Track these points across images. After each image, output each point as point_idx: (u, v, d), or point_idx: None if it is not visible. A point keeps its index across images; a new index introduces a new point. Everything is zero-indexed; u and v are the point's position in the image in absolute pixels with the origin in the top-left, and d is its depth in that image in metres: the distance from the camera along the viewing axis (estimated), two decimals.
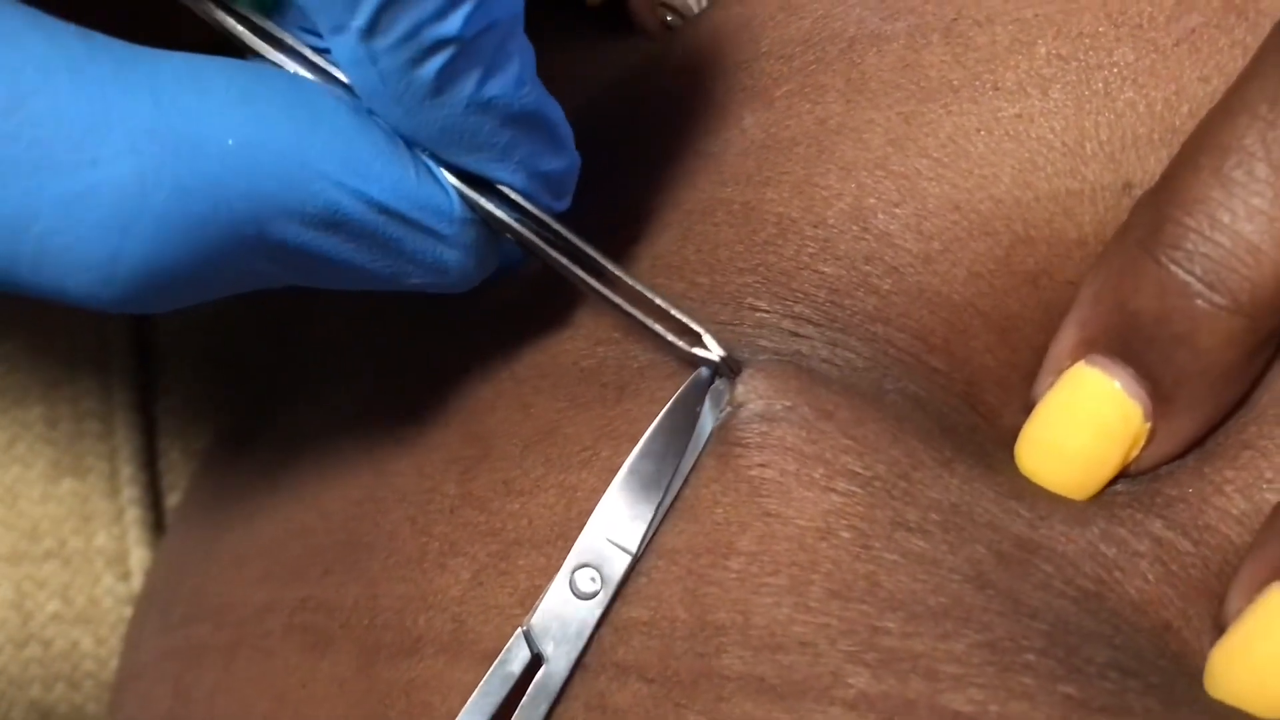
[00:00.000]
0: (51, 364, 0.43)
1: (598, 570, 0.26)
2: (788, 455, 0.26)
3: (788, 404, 0.26)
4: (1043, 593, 0.25)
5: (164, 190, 0.23)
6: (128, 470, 0.43)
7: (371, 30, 0.24)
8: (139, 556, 0.42)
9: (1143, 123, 0.28)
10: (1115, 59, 0.28)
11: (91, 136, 0.23)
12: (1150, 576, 0.26)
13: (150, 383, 0.44)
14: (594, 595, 0.26)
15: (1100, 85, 0.28)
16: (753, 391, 0.27)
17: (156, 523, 0.43)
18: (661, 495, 0.26)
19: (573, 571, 0.26)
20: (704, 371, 0.27)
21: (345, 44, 0.24)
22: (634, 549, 0.26)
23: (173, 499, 0.44)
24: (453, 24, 0.24)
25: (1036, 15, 0.29)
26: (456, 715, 0.26)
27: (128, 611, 0.42)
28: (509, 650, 0.26)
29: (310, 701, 0.29)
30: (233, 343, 0.45)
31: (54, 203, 0.23)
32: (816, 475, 0.26)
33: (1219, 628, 0.25)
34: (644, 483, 0.26)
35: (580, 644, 0.26)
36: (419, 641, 0.28)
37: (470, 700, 0.25)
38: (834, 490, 0.25)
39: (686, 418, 0.27)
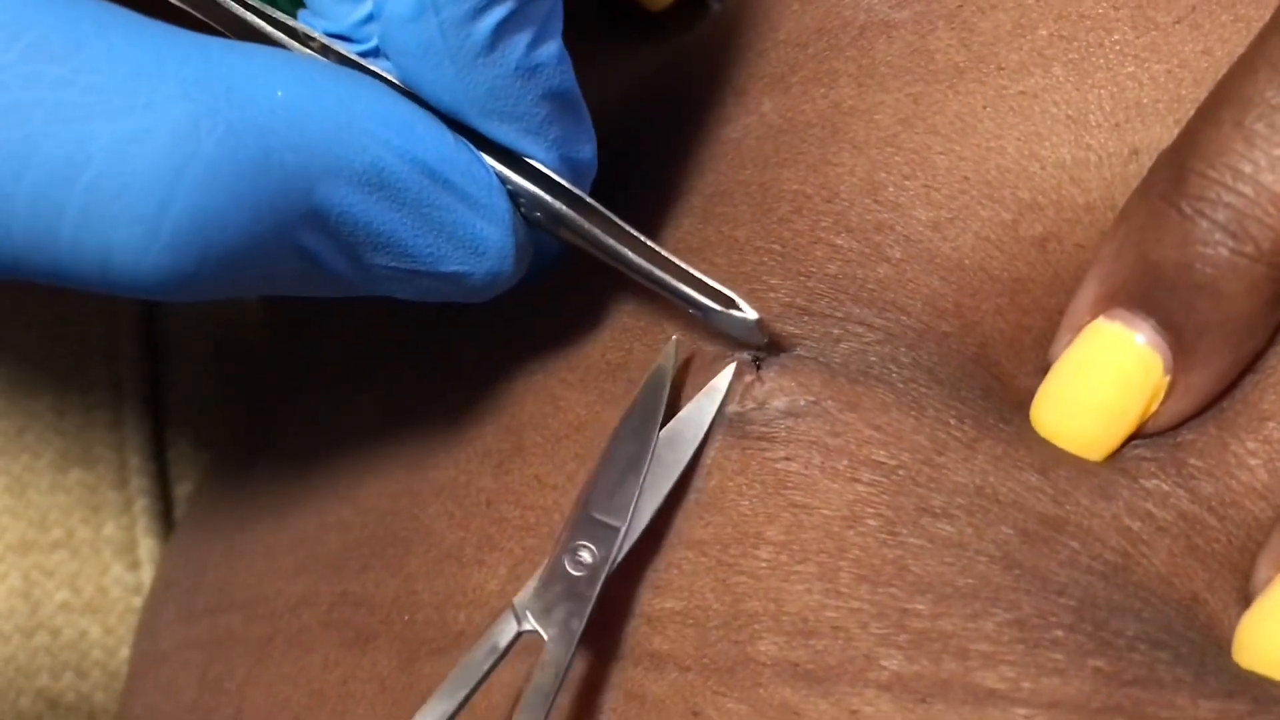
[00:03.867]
0: (61, 354, 0.43)
1: (592, 546, 0.26)
2: (813, 449, 0.26)
3: (811, 398, 0.27)
4: (1069, 569, 0.25)
5: (215, 135, 0.23)
6: (136, 460, 0.43)
7: None
8: (147, 546, 0.42)
9: (1146, 93, 0.28)
10: (1116, 38, 0.29)
11: (145, 82, 0.23)
12: (1175, 550, 0.26)
13: (159, 374, 0.44)
14: (591, 569, 0.26)
15: (1102, 61, 0.29)
16: (776, 387, 0.27)
17: (165, 513, 0.43)
18: (643, 469, 0.27)
19: (567, 550, 0.26)
20: (671, 349, 0.28)
21: None
22: (624, 523, 0.26)
23: (181, 490, 0.44)
24: None
25: (1038, 1, 0.29)
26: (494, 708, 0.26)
27: (136, 601, 0.42)
28: (495, 625, 0.26)
29: (350, 699, 0.30)
30: (243, 336, 0.45)
31: (107, 145, 0.23)
32: (841, 467, 0.26)
33: (1246, 599, 0.26)
34: (628, 462, 0.27)
35: (582, 617, 0.26)
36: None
37: (451, 673, 0.26)
38: (859, 481, 0.26)
39: (657, 393, 0.28)
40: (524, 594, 0.26)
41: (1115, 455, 0.28)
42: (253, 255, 0.24)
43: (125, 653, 0.42)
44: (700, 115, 0.32)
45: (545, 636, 0.26)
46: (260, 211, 0.24)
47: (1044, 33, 0.29)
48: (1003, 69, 0.29)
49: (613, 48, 0.39)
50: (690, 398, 0.28)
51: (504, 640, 0.26)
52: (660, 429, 0.27)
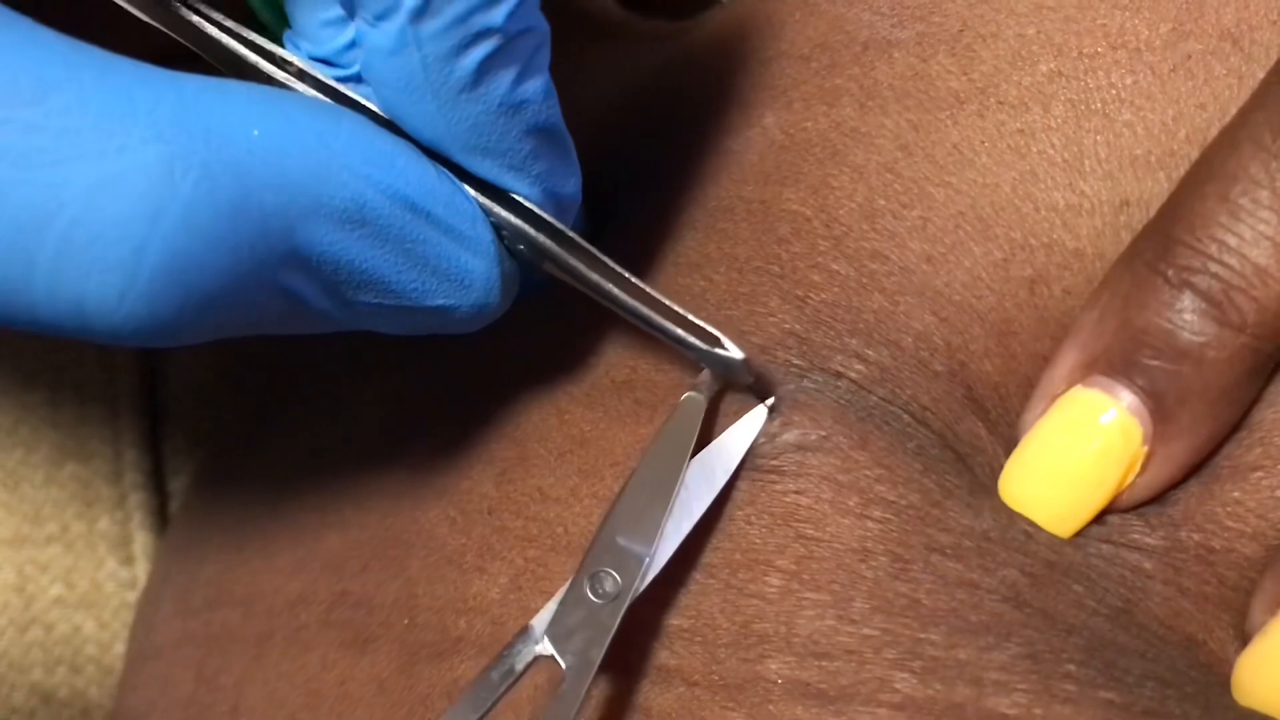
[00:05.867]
0: (56, 349, 0.43)
1: (615, 574, 0.26)
2: (823, 484, 0.27)
3: (822, 433, 0.27)
4: (1077, 610, 0.26)
5: (191, 177, 0.23)
6: (131, 455, 0.43)
7: (423, 11, 0.24)
8: (142, 541, 0.42)
9: (1140, 144, 0.29)
10: (1113, 80, 0.29)
11: (118, 124, 0.22)
12: (1167, 595, 0.27)
13: (154, 369, 0.44)
14: (614, 597, 0.26)
15: (1099, 105, 0.29)
16: (787, 422, 0.28)
17: (160, 508, 0.43)
18: (671, 498, 0.26)
19: (589, 575, 0.26)
20: (706, 378, 0.28)
21: (390, 29, 0.25)
22: (649, 550, 0.26)
23: (176, 484, 0.44)
24: (497, 15, 0.25)
25: (1038, 32, 0.30)
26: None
27: (130, 596, 0.42)
28: (512, 647, 0.26)
29: (348, 700, 0.30)
30: None
31: (80, 191, 0.22)
32: (851, 504, 0.27)
33: (1243, 638, 0.26)
34: (655, 488, 0.27)
35: (602, 646, 0.25)
36: (459, 642, 0.28)
37: (463, 694, 0.25)
38: (869, 518, 0.26)
39: (690, 423, 0.27)
40: (543, 616, 0.26)
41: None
42: (234, 299, 0.24)
43: (119, 648, 0.42)
44: (703, 122, 0.33)
45: (563, 665, 0.25)
46: (240, 254, 0.23)
47: (1044, 68, 0.29)
48: (1002, 103, 0.29)
49: (616, 46, 0.39)
50: (722, 428, 0.28)
51: (520, 664, 0.26)
52: (690, 458, 0.27)
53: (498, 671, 0.25)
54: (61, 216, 0.22)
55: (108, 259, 0.22)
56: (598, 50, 0.38)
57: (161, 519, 0.43)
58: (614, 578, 0.26)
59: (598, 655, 0.25)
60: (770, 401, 0.28)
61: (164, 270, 0.23)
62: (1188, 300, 0.26)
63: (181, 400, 0.45)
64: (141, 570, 0.42)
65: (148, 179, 0.22)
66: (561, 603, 0.26)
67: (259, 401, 0.41)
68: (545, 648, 0.26)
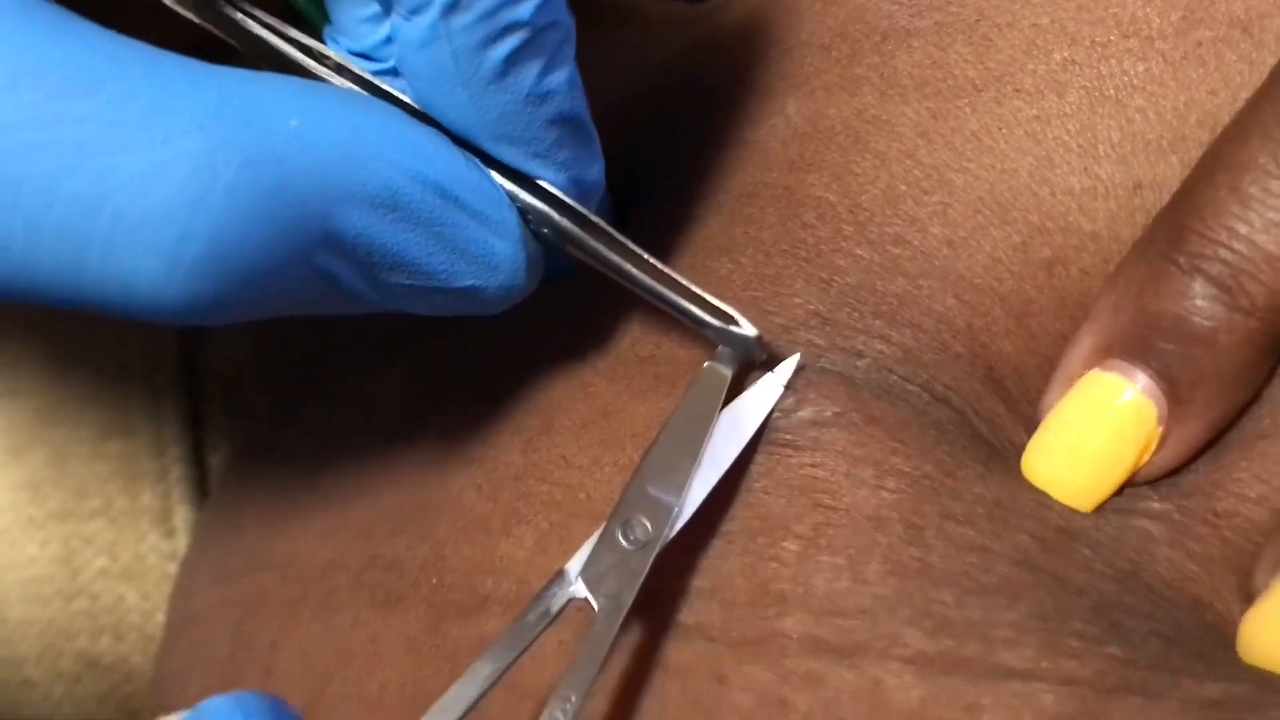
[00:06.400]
0: (100, 330, 0.44)
1: (646, 521, 0.27)
2: (839, 458, 0.27)
3: (837, 410, 0.28)
4: (1085, 573, 0.27)
5: (233, 165, 0.24)
6: (172, 432, 0.44)
7: (454, 6, 0.25)
8: (183, 515, 0.44)
9: (1153, 129, 0.29)
10: (1126, 68, 0.30)
11: (162, 116, 0.23)
12: (1174, 558, 0.27)
13: (194, 349, 0.45)
14: (644, 544, 0.27)
15: (1112, 91, 0.30)
16: (803, 399, 0.28)
17: (200, 482, 0.44)
18: (700, 452, 0.27)
19: (621, 522, 0.27)
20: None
21: (422, 23, 0.26)
22: (679, 500, 0.27)
23: (216, 460, 0.45)
24: (524, 10, 0.26)
25: (1052, 22, 0.30)
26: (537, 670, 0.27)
27: (171, 567, 0.43)
28: (547, 589, 0.27)
29: (378, 657, 0.31)
30: None
31: (128, 179, 0.23)
32: (866, 475, 0.27)
33: (1248, 599, 0.27)
34: (685, 443, 0.28)
35: (633, 590, 0.26)
36: (486, 601, 0.29)
37: (502, 634, 0.26)
38: (884, 488, 0.27)
39: (716, 385, 0.28)
40: (576, 561, 0.27)
41: None
42: (273, 280, 0.25)
43: (160, 617, 0.43)
44: (726, 110, 0.33)
45: (595, 607, 0.26)
46: (278, 237, 0.24)
47: (1058, 57, 0.30)
48: (1019, 91, 0.30)
49: (628, 31, 0.39)
50: (750, 387, 0.29)
51: (555, 605, 0.27)
52: (719, 413, 0.28)
53: (534, 613, 0.26)
54: (111, 202, 0.23)
55: (154, 242, 0.23)
56: (610, 35, 0.39)
57: (201, 493, 0.44)
58: (645, 525, 0.27)
59: (629, 599, 0.26)
60: (783, 371, 0.29)
61: (207, 253, 0.24)
62: (1199, 286, 0.27)
63: (220, 380, 0.46)
64: (182, 543, 0.43)
65: (191, 167, 0.23)
66: (595, 548, 0.27)
67: (293, 381, 0.42)
68: (579, 590, 0.27)
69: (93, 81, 0.23)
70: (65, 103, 0.23)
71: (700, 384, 0.29)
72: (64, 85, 0.23)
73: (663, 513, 0.27)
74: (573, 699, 0.25)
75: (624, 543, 0.27)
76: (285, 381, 0.42)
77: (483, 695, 0.26)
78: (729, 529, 0.28)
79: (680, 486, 0.27)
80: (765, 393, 0.29)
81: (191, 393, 0.45)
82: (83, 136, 0.23)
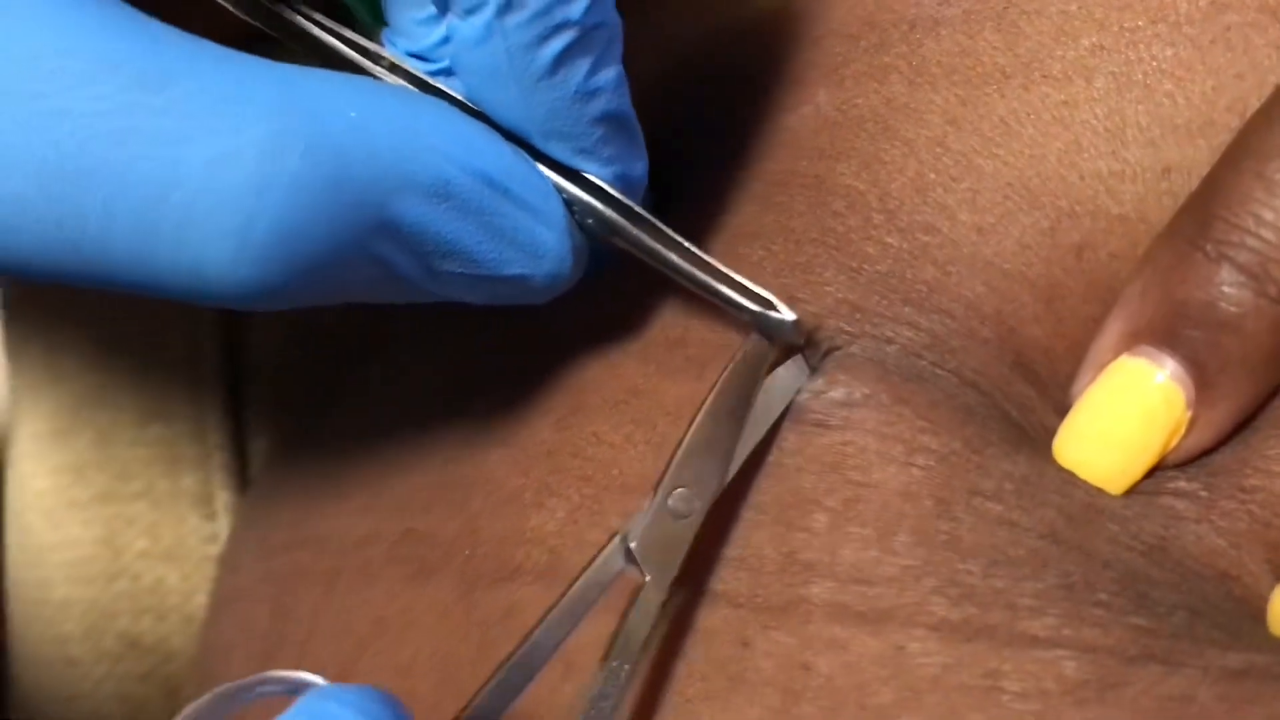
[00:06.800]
0: (143, 316, 0.45)
1: (690, 493, 0.28)
2: (869, 436, 0.28)
3: (866, 391, 0.28)
4: (1112, 546, 0.27)
5: (296, 153, 0.25)
6: (214, 417, 0.45)
7: (508, 5, 0.26)
8: (223, 499, 0.44)
9: (1181, 113, 0.29)
10: (1154, 53, 0.30)
11: (231, 106, 0.25)
12: (1201, 534, 0.28)
13: (236, 336, 0.46)
14: (689, 515, 0.28)
15: (1140, 77, 0.30)
16: (833, 381, 0.29)
17: (240, 467, 0.45)
18: (744, 426, 0.28)
19: (667, 494, 0.28)
20: (769, 319, 0.29)
21: (478, 22, 0.27)
22: (724, 472, 0.28)
23: (256, 445, 0.46)
24: (575, 9, 0.27)
25: (1080, 8, 0.31)
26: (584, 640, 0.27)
27: (211, 550, 0.44)
28: (604, 557, 0.28)
29: (411, 626, 0.31)
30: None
31: (199, 166, 0.24)
32: (896, 452, 0.28)
33: (1277, 573, 0.27)
34: (728, 417, 0.28)
35: (677, 562, 0.27)
36: (517, 571, 0.30)
37: (559, 604, 0.27)
38: (914, 465, 0.27)
39: (757, 362, 0.29)
40: (626, 533, 0.28)
41: None
42: (333, 264, 0.26)
43: (200, 598, 0.44)
44: (756, 99, 0.34)
45: (645, 576, 0.27)
46: (338, 223, 0.25)
47: (1086, 43, 0.30)
48: (1047, 77, 0.30)
49: (651, 15, 0.40)
50: (781, 368, 0.29)
51: (608, 576, 0.27)
52: (760, 391, 0.29)
53: (586, 583, 0.27)
54: (183, 188, 0.24)
55: (223, 227, 0.24)
56: (635, 19, 0.39)
57: (242, 478, 0.45)
58: (689, 497, 0.28)
59: (674, 568, 0.27)
60: (814, 353, 0.29)
61: (272, 237, 0.25)
62: (1226, 273, 0.27)
63: (261, 367, 0.46)
64: (223, 526, 0.44)
65: (259, 154, 0.24)
66: (641, 520, 0.28)
67: (332, 369, 0.42)
68: (628, 560, 0.28)
69: (166, 75, 0.24)
70: (140, 94, 0.24)
71: (740, 363, 0.29)
72: (139, 78, 0.24)
73: (706, 485, 0.28)
74: (625, 667, 0.26)
75: (669, 514, 0.28)
76: (323, 372, 0.43)
77: (543, 666, 0.27)
78: (760, 502, 0.28)
79: (724, 460, 0.28)
80: (796, 374, 0.29)
81: (232, 381, 0.46)
82: (157, 126, 0.24)
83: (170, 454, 0.45)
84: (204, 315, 0.45)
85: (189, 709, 0.25)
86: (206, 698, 0.25)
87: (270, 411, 0.46)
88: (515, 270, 0.28)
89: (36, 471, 0.45)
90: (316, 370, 0.44)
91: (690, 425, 0.28)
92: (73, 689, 0.44)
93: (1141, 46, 0.30)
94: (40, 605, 0.44)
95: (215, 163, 0.24)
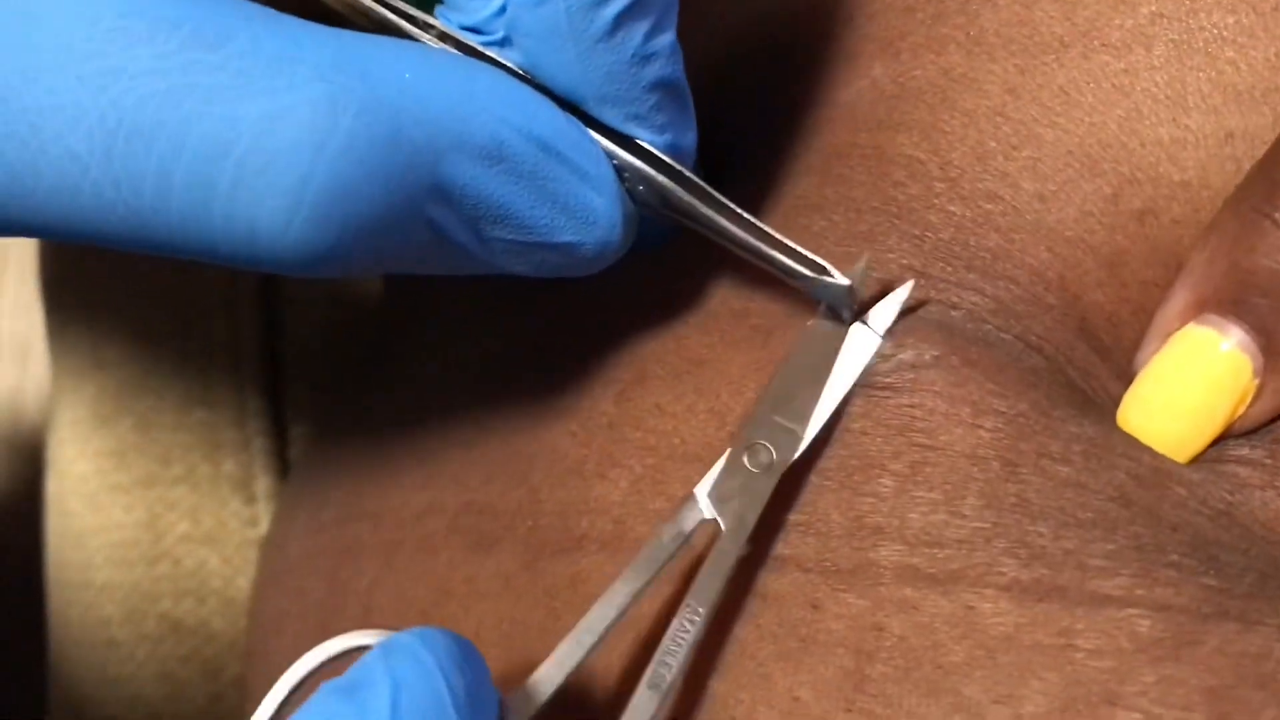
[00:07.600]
0: (185, 302, 0.45)
1: (770, 446, 0.28)
2: (936, 398, 0.28)
3: (935, 354, 0.28)
4: (1180, 510, 0.27)
5: (350, 112, 0.24)
6: (254, 403, 0.45)
7: None
8: (264, 483, 0.45)
9: (1243, 80, 0.29)
10: (1215, 20, 0.30)
11: (286, 66, 0.24)
12: (1265, 499, 0.27)
13: (276, 321, 0.46)
14: (768, 468, 0.28)
15: (1201, 44, 0.30)
16: (901, 344, 0.29)
17: (280, 452, 0.45)
18: (824, 382, 0.28)
19: (747, 447, 0.28)
20: (826, 286, 0.29)
21: None
22: (803, 427, 0.28)
23: (296, 430, 0.46)
24: None
25: None
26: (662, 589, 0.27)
27: (251, 533, 0.44)
28: (679, 510, 0.28)
29: (475, 595, 0.31)
30: (355, 285, 0.47)
31: (254, 123, 0.24)
32: (964, 414, 0.27)
33: None
34: (808, 372, 0.28)
35: (756, 511, 0.27)
36: (582, 540, 0.30)
37: (640, 554, 0.27)
38: (982, 427, 0.27)
39: (835, 320, 0.29)
40: (705, 485, 0.28)
41: None
42: (386, 227, 0.26)
43: (241, 581, 0.44)
44: (813, 74, 0.34)
45: (723, 526, 0.27)
46: (392, 184, 0.25)
47: (1145, 11, 0.30)
48: (1106, 45, 0.30)
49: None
50: (851, 332, 0.29)
51: (688, 526, 0.28)
52: (841, 349, 0.29)
53: (669, 533, 0.28)
54: (238, 146, 0.24)
55: (277, 185, 0.24)
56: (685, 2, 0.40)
57: (282, 462, 0.45)
58: (769, 450, 0.28)
59: (753, 519, 0.27)
60: (884, 315, 0.29)
61: (326, 196, 0.25)
62: None
63: (302, 351, 0.47)
64: (263, 509, 0.44)
65: (313, 112, 0.24)
66: (721, 472, 0.28)
67: (371, 352, 0.42)
68: (708, 510, 0.28)
69: (223, 34, 0.24)
70: (198, 53, 0.24)
71: (817, 326, 0.29)
72: (196, 37, 0.24)
73: (786, 439, 0.28)
74: (700, 611, 0.27)
75: (749, 466, 0.28)
76: (364, 353, 0.43)
77: (623, 613, 0.27)
78: (826, 466, 0.28)
79: (803, 414, 0.28)
80: (866, 340, 0.29)
81: (273, 368, 0.46)
82: (213, 84, 0.24)
83: (211, 439, 0.45)
84: (244, 301, 0.45)
85: (298, 664, 0.25)
86: (314, 652, 0.25)
87: (309, 397, 0.46)
88: (566, 237, 0.28)
89: (78, 456, 0.45)
90: (356, 353, 0.44)
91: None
92: (114, 671, 0.44)
93: (1202, 14, 0.30)
94: (82, 589, 0.44)
95: (269, 120, 0.24)
